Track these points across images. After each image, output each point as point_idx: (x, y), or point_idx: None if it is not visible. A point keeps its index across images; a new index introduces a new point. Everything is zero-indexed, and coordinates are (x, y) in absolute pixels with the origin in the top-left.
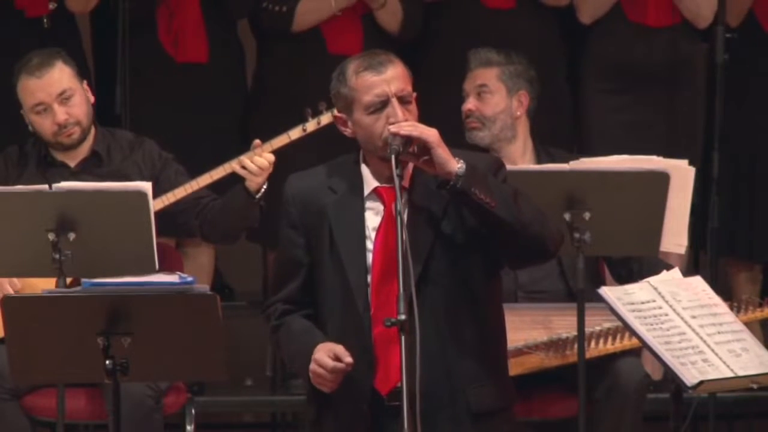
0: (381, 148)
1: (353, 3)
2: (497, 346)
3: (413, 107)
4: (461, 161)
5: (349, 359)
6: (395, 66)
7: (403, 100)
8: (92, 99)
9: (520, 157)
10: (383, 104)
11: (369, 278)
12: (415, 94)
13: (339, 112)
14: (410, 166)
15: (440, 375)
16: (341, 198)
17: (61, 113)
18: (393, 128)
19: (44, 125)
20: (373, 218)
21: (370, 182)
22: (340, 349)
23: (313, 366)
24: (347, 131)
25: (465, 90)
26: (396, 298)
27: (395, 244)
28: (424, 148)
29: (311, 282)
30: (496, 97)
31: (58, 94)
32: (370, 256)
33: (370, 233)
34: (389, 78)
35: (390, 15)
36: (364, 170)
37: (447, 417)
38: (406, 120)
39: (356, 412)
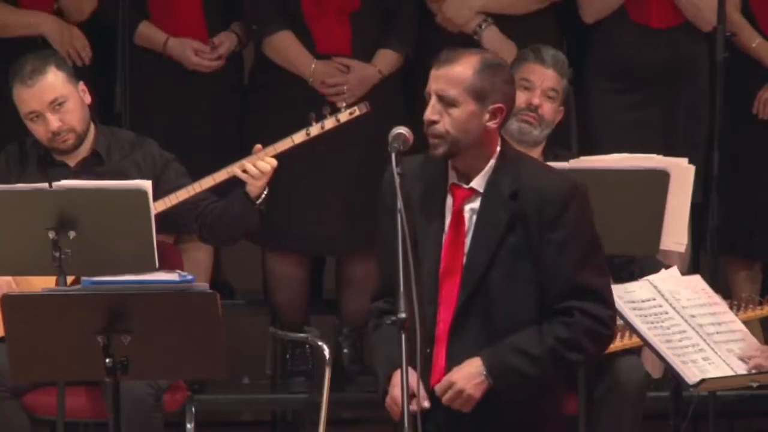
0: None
1: (316, 87)
2: None
3: (455, 110)
4: (484, 379)
5: (426, 404)
6: (453, 67)
7: (441, 100)
8: (89, 100)
9: None
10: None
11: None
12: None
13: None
14: (488, 168)
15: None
16: (426, 189)
17: (53, 121)
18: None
19: (39, 132)
20: (447, 214)
21: (451, 177)
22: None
23: (388, 401)
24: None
25: (531, 81)
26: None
27: (460, 242)
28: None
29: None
30: (555, 104)
31: (50, 102)
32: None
33: (445, 229)
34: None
35: (393, 67)
36: (448, 165)
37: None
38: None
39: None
